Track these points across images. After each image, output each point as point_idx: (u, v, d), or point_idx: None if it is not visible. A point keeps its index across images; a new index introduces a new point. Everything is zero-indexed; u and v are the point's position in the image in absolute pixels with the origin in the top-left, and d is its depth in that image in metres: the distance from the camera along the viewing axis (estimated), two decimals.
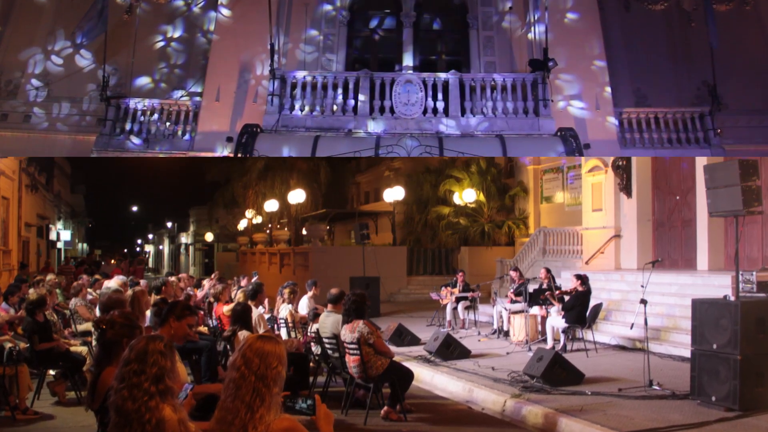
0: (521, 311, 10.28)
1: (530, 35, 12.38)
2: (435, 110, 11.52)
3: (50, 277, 12.28)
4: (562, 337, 9.51)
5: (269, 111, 11.46)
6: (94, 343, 6.60)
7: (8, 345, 6.82)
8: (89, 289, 10.62)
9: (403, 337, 10.45)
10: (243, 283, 12.17)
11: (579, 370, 7.38)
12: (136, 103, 12.04)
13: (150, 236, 71.36)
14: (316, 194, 28.08)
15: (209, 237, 43.65)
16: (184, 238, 53.25)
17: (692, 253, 12.31)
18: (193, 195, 49.81)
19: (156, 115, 12.02)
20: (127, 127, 11.89)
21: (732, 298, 6.47)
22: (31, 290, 8.81)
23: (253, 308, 7.25)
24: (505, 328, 11.02)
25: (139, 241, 75.80)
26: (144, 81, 12.94)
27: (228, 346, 6.50)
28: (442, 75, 11.79)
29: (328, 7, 13.02)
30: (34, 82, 13.01)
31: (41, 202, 26.23)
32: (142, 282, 11.39)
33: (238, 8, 12.79)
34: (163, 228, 63.12)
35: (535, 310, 10.38)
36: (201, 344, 7.13)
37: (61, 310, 9.62)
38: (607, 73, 12.22)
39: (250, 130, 11.21)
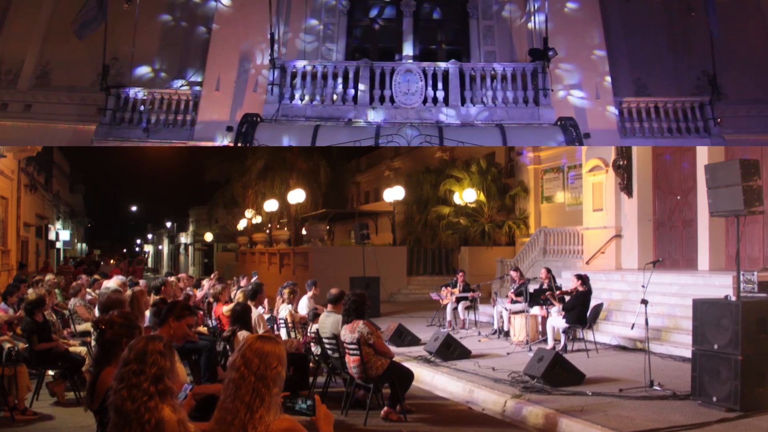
0: (522, 311, 10.27)
1: (530, 25, 12.37)
2: (435, 100, 11.52)
3: (49, 277, 12.27)
4: (562, 338, 9.49)
5: (269, 100, 11.46)
6: (93, 343, 6.60)
7: (7, 345, 6.80)
8: (88, 289, 10.62)
9: (403, 337, 10.43)
10: (242, 283, 12.16)
11: (579, 370, 7.37)
12: (136, 93, 12.03)
13: (149, 236, 71.38)
14: (316, 194, 28.07)
15: (209, 237, 43.67)
16: (184, 238, 53.27)
17: (693, 253, 12.30)
18: (192, 195, 49.94)
19: (156, 105, 12.00)
20: (127, 116, 11.88)
21: (733, 298, 6.46)
22: (30, 290, 8.81)
23: (253, 308, 7.23)
24: (505, 329, 11.00)
25: (138, 241, 75.83)
26: (144, 70, 12.91)
27: (227, 347, 6.49)
28: (442, 64, 11.79)
29: None
30: (34, 71, 12.97)
31: (40, 201, 26.21)
32: (142, 282, 11.39)
33: None
34: (162, 228, 63.16)
35: (536, 310, 10.37)
36: (200, 344, 7.11)
37: (60, 310, 9.60)
38: (607, 62, 12.20)
39: (250, 120, 11.21)
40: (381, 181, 30.91)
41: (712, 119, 11.69)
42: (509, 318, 10.79)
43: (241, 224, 33.19)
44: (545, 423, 6.08)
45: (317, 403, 2.67)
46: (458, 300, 12.28)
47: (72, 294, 9.70)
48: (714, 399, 6.09)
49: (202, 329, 8.96)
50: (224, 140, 11.69)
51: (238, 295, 8.55)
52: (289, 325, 8.53)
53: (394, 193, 21.10)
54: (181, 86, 12.58)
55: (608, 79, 12.09)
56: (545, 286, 10.55)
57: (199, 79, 12.53)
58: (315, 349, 7.49)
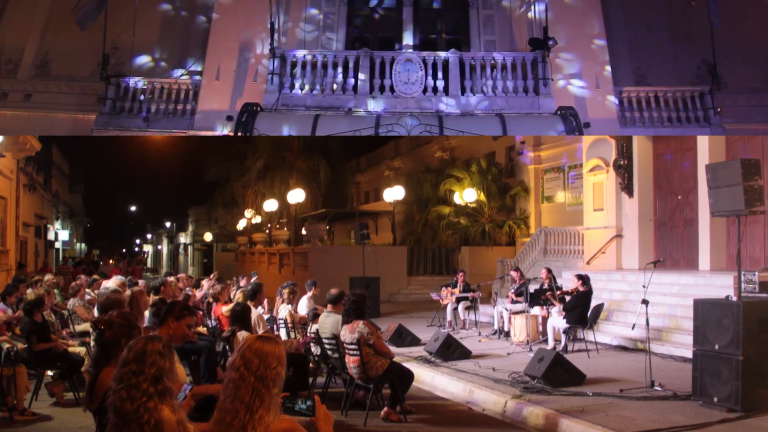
0: (522, 311, 10.25)
1: (530, 14, 12.35)
2: (435, 89, 11.52)
3: (48, 277, 12.25)
4: (563, 338, 9.48)
5: (269, 90, 11.45)
6: (92, 343, 6.57)
7: (6, 346, 6.79)
8: (87, 290, 10.59)
9: (404, 337, 10.41)
10: (242, 283, 12.14)
11: (580, 370, 7.35)
12: (136, 82, 12.02)
13: (149, 236, 71.40)
14: (316, 194, 28.05)
15: (208, 237, 43.65)
16: (183, 238, 53.26)
17: (694, 253, 12.29)
18: (192, 195, 49.96)
19: (156, 94, 11.99)
20: (127, 106, 11.87)
21: (734, 299, 6.45)
22: (29, 290, 8.79)
23: (253, 308, 7.21)
24: (505, 329, 10.98)
25: (137, 241, 75.87)
26: (144, 60, 12.89)
27: (227, 347, 6.47)
28: (442, 54, 11.78)
29: None
30: (34, 60, 12.93)
31: (39, 201, 26.20)
32: (141, 282, 11.38)
33: None
34: (161, 228, 63.18)
35: (536, 310, 10.35)
36: (200, 345, 7.09)
37: (59, 311, 9.58)
38: (607, 51, 12.18)
39: (250, 109, 11.20)
40: (381, 180, 30.90)
41: (712, 109, 11.68)
42: (510, 318, 10.77)
43: (241, 224, 33.18)
44: (546, 423, 6.06)
45: (317, 403, 2.66)
46: (458, 300, 12.26)
47: (71, 294, 9.67)
48: (715, 399, 6.07)
49: (202, 329, 8.94)
50: (224, 130, 11.68)
51: (237, 296, 8.53)
52: (289, 325, 8.51)
53: (394, 193, 21.07)
54: (181, 76, 12.56)
55: (608, 68, 12.08)
56: (546, 286, 10.53)
57: (199, 69, 12.51)
58: (315, 350, 7.47)
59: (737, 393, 5.88)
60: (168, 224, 60.30)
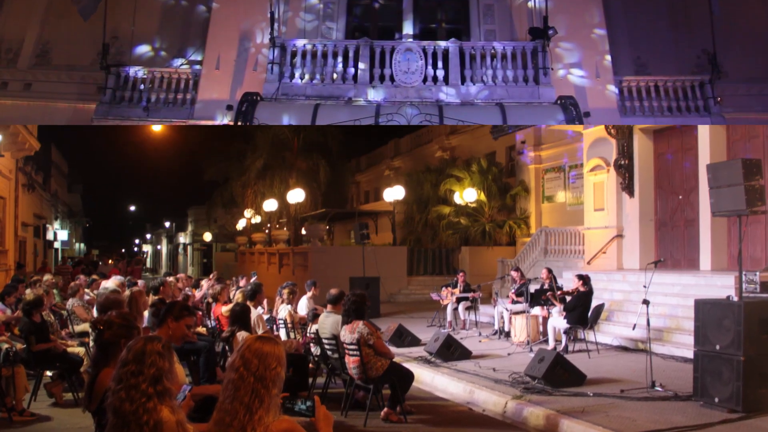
0: (522, 312, 10.23)
1: (530, 3, 12.31)
2: (435, 78, 11.51)
3: (47, 277, 12.24)
4: (563, 338, 9.46)
5: (269, 79, 11.44)
6: (91, 343, 6.55)
7: (5, 346, 6.77)
8: (86, 290, 10.57)
9: (404, 337, 10.40)
10: (242, 283, 12.12)
11: (581, 371, 7.34)
12: (136, 72, 12.02)
13: (148, 236, 71.42)
14: (316, 194, 28.04)
15: (207, 237, 43.64)
16: (183, 238, 53.24)
17: (695, 253, 12.27)
18: (191, 194, 49.98)
19: (156, 84, 11.98)
20: (127, 95, 11.86)
21: (735, 299, 6.44)
22: (28, 290, 8.77)
23: (252, 309, 7.19)
24: (506, 329, 10.97)
25: (137, 241, 75.90)
26: (144, 49, 12.88)
27: (226, 347, 6.46)
28: (442, 43, 11.77)
29: None
30: (34, 50, 12.91)
31: (38, 201, 26.18)
32: (140, 282, 11.36)
33: None
34: (161, 228, 63.18)
35: (537, 310, 10.34)
36: (199, 345, 7.07)
37: (58, 311, 9.57)
38: (607, 41, 12.15)
39: (250, 99, 11.20)
40: (381, 180, 30.90)
41: (712, 98, 11.66)
42: (510, 318, 10.75)
43: (240, 224, 33.17)
44: (546, 424, 6.05)
45: (317, 404, 2.66)
46: (459, 300, 12.24)
47: (70, 294, 9.66)
48: (716, 400, 6.06)
49: (201, 330, 8.92)
50: (224, 119, 11.67)
51: (237, 296, 8.51)
52: (289, 325, 8.50)
53: (394, 193, 21.06)
54: (181, 65, 12.55)
55: (608, 57, 12.06)
56: (546, 286, 10.52)
57: (199, 58, 12.50)
58: (314, 350, 7.46)
59: (738, 393, 5.86)
60: (167, 224, 60.32)
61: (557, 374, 7.10)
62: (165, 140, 30.51)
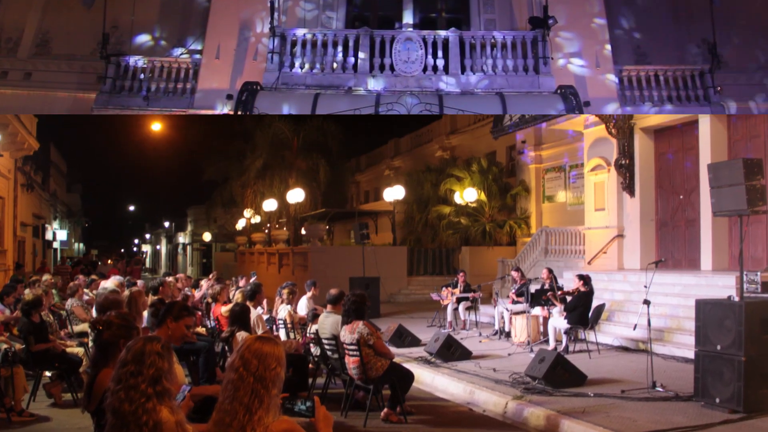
0: (523, 312, 10.21)
1: None
2: (435, 68, 11.51)
3: (46, 277, 12.23)
4: (564, 338, 9.44)
5: (269, 68, 11.44)
6: (90, 344, 6.53)
7: (4, 346, 6.76)
8: (86, 290, 10.56)
9: (404, 338, 10.38)
10: (241, 283, 12.10)
11: (581, 371, 7.32)
12: (136, 61, 12.02)
13: (147, 236, 71.41)
14: (315, 193, 28.02)
15: (207, 237, 43.62)
16: (182, 238, 53.21)
17: (696, 253, 12.26)
18: (190, 194, 49.96)
19: (156, 73, 11.97)
20: (127, 84, 11.86)
21: (736, 299, 6.42)
22: (27, 291, 8.77)
23: (252, 309, 7.18)
24: (506, 329, 10.95)
25: (136, 241, 75.86)
26: (144, 38, 12.88)
27: (226, 347, 6.44)
28: (442, 32, 11.77)
29: None
30: (34, 39, 12.90)
31: (37, 201, 26.14)
32: (139, 282, 11.34)
33: None
34: (160, 228, 63.15)
35: (537, 310, 10.32)
36: (199, 345, 7.05)
37: (57, 311, 9.54)
38: (607, 30, 12.14)
39: (250, 88, 11.20)
40: (381, 180, 30.88)
41: (712, 87, 11.67)
42: (510, 319, 10.73)
43: (240, 224, 33.16)
44: (547, 424, 6.03)
45: (316, 404, 2.66)
46: (459, 300, 12.22)
47: (69, 294, 9.64)
48: (717, 400, 6.04)
49: (201, 330, 8.90)
50: (224, 108, 11.67)
51: (236, 296, 8.49)
52: (288, 325, 8.48)
53: (394, 193, 21.04)
54: (181, 54, 12.55)
55: (608, 47, 12.06)
56: (547, 286, 10.49)
57: (199, 48, 12.50)
58: (314, 350, 7.44)
59: (739, 394, 5.85)
60: (167, 224, 60.29)
61: (558, 374, 7.08)
62: (164, 140, 30.49)
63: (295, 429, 2.50)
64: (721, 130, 11.97)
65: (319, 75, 11.45)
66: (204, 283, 12.74)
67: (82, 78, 12.55)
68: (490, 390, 7.12)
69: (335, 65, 11.54)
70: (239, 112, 11.30)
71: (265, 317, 8.24)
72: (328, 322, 7.00)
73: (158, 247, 66.56)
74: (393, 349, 7.64)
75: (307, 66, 11.55)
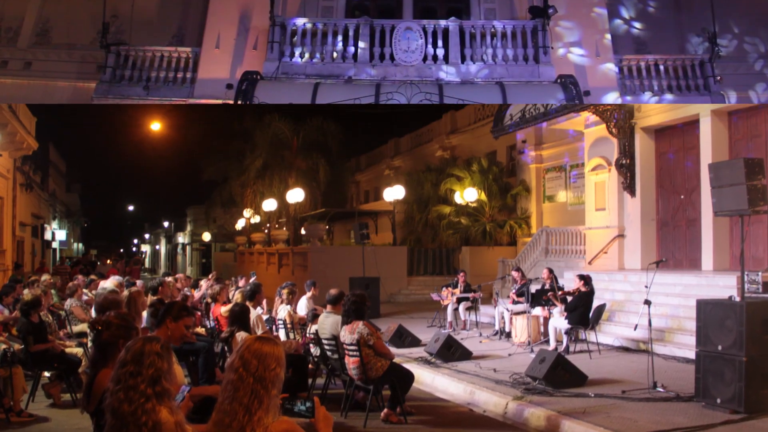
0: (523, 312, 10.20)
1: None
2: (435, 57, 11.51)
3: (45, 277, 12.22)
4: (564, 339, 9.42)
5: (269, 58, 11.45)
6: (89, 344, 6.51)
7: (3, 346, 6.73)
8: (85, 290, 10.55)
9: (404, 338, 10.36)
10: (241, 283, 12.08)
11: (582, 371, 7.31)
12: (136, 50, 12.00)
13: (146, 236, 71.36)
14: (315, 193, 28.00)
15: (206, 237, 43.60)
16: (181, 238, 53.21)
17: (697, 253, 12.24)
18: (190, 194, 49.90)
19: (156, 63, 11.95)
20: (127, 74, 11.85)
21: (737, 299, 6.40)
22: (26, 291, 8.74)
23: (251, 309, 7.16)
24: (506, 330, 10.93)
25: (135, 241, 75.78)
26: (144, 28, 12.86)
27: (226, 348, 6.42)
28: (442, 22, 11.76)
29: None
30: (34, 28, 12.89)
31: (36, 201, 26.12)
32: (139, 282, 11.33)
33: None
34: (159, 228, 63.12)
35: (538, 311, 10.30)
36: (198, 345, 7.03)
37: (56, 311, 9.52)
38: (607, 20, 12.15)
39: (250, 78, 11.20)
40: (381, 180, 30.85)
41: (713, 77, 11.66)
42: (511, 319, 10.72)
43: (240, 224, 33.13)
44: (547, 425, 6.02)
45: (316, 404, 2.66)
46: (459, 300, 12.20)
47: (68, 294, 9.63)
48: (718, 401, 6.03)
49: (200, 330, 8.88)
50: (224, 98, 11.66)
51: (236, 296, 8.47)
52: (288, 326, 8.46)
53: (394, 193, 21.03)
54: (181, 44, 12.53)
55: (608, 36, 12.06)
56: (547, 286, 10.48)
57: (199, 37, 12.48)
58: (314, 351, 7.42)
59: (740, 394, 5.84)
60: (166, 224, 60.25)
61: (558, 375, 7.07)
62: (164, 139, 30.48)
63: (294, 429, 2.50)
64: (722, 130, 11.96)
65: (319, 64, 11.48)
66: (203, 283, 12.73)
67: (82, 67, 12.59)
68: (490, 390, 7.11)
69: (335, 55, 11.56)
70: (239, 102, 11.30)
71: (264, 317, 8.23)
72: (327, 323, 6.98)
73: (157, 247, 66.54)
74: (393, 350, 7.62)
75: (307, 55, 11.56)
